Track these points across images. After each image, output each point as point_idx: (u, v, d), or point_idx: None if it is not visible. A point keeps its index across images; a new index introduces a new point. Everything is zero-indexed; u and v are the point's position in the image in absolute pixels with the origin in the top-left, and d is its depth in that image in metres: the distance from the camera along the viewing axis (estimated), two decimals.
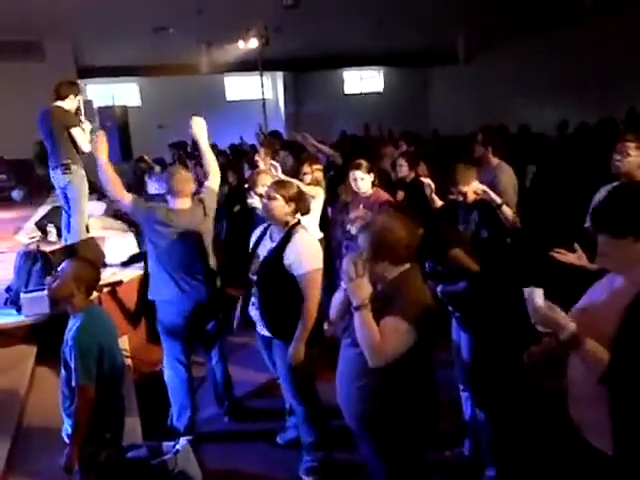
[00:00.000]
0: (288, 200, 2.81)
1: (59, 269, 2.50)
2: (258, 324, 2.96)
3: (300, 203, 2.87)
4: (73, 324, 2.42)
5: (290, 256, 2.76)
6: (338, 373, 2.24)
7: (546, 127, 9.36)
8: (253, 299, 2.93)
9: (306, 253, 2.79)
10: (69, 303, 2.45)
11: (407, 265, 2.11)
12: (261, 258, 2.89)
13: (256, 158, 5.38)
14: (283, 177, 3.87)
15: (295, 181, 3.74)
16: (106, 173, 3.30)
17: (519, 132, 8.69)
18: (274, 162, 4.29)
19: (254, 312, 2.95)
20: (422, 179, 3.89)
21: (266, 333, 2.93)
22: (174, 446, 2.73)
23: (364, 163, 3.91)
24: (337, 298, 2.24)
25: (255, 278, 2.89)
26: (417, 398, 2.10)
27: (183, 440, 2.78)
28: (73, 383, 2.33)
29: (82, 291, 2.43)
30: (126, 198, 3.30)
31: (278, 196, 2.80)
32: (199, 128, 3.51)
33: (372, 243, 2.06)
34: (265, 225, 3.03)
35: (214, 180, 3.55)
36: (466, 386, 3.05)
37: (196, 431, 3.43)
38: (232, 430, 3.55)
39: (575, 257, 2.36)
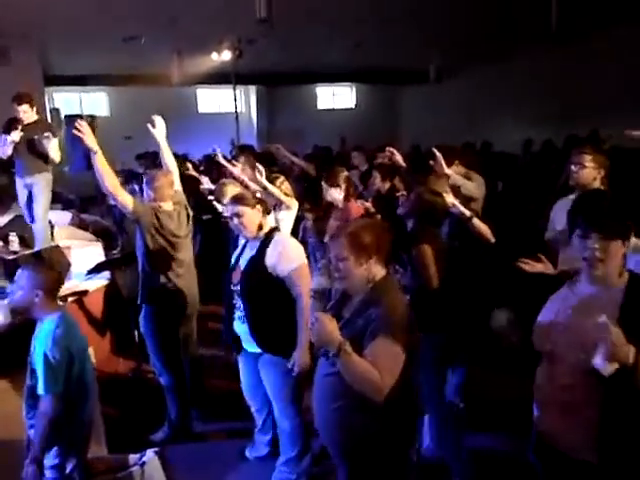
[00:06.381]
0: (253, 206, 2.79)
1: (16, 278, 2.39)
2: (245, 340, 2.84)
3: (263, 203, 2.89)
4: (40, 329, 2.33)
5: (273, 256, 2.72)
6: (314, 394, 2.10)
7: (512, 146, 9.68)
8: (239, 313, 2.82)
9: (290, 250, 2.78)
10: (33, 310, 2.36)
11: (383, 271, 1.98)
12: (242, 267, 2.82)
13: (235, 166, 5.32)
14: (266, 183, 3.85)
15: (275, 190, 3.81)
16: (99, 166, 3.15)
17: (482, 149, 9.08)
18: (259, 167, 4.21)
19: (240, 327, 2.83)
20: (398, 194, 3.93)
21: (253, 349, 2.83)
22: (140, 458, 2.67)
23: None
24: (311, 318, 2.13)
25: (238, 288, 2.80)
26: (397, 419, 1.96)
27: (150, 452, 2.73)
28: (38, 391, 2.23)
29: (44, 295, 2.33)
30: (126, 197, 3.23)
31: (244, 208, 2.77)
32: (159, 128, 3.52)
33: (352, 242, 1.91)
34: (245, 241, 2.97)
35: (176, 181, 3.57)
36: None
37: (192, 429, 3.49)
38: (201, 441, 3.49)
39: (542, 266, 2.43)
